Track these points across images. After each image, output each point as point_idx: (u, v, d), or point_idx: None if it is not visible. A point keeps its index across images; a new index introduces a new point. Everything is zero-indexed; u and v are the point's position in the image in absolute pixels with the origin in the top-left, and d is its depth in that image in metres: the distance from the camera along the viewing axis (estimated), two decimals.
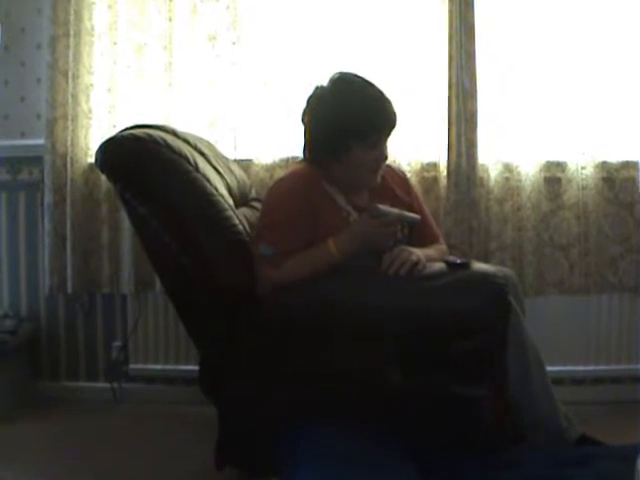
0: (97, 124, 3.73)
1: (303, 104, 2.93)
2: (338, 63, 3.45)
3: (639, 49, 3.66)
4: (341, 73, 2.89)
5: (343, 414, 2.49)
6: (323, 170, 2.87)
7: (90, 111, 3.72)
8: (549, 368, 2.80)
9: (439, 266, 2.77)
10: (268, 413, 2.60)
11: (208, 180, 2.81)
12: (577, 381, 3.71)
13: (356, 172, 2.84)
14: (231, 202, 2.92)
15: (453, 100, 3.62)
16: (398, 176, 3.12)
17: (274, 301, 2.65)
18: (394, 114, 2.84)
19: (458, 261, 2.78)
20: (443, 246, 3.13)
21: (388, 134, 2.86)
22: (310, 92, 2.91)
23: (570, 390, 3.50)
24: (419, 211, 3.00)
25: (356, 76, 2.88)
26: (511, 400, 2.58)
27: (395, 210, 2.79)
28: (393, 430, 2.48)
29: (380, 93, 2.83)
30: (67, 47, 3.67)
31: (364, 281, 2.68)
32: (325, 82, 2.86)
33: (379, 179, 2.90)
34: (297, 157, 3.14)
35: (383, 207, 2.75)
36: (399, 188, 3.04)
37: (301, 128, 2.93)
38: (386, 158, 2.89)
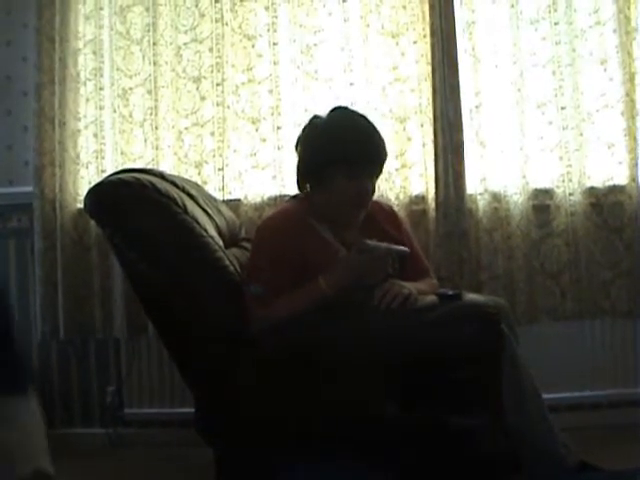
0: (85, 169, 3.74)
1: (295, 137, 2.97)
2: (324, 99, 3.48)
3: (621, 77, 3.69)
4: (339, 106, 2.95)
5: (342, 449, 2.48)
6: (311, 205, 2.89)
7: (78, 157, 3.74)
8: (545, 396, 2.79)
9: (431, 299, 2.77)
10: (267, 451, 2.59)
11: (197, 222, 2.81)
12: (574, 407, 3.70)
13: (339, 204, 2.83)
14: (221, 243, 2.92)
15: (439, 132, 3.64)
16: (386, 211, 3.11)
17: (270, 339, 2.64)
18: (382, 150, 2.85)
19: (450, 292, 2.79)
20: (434, 280, 3.13)
21: (374, 169, 2.86)
22: (306, 122, 2.95)
23: (567, 417, 3.49)
24: (408, 245, 2.99)
25: (353, 111, 2.94)
26: (508, 429, 2.58)
27: (383, 245, 2.79)
28: (390, 462, 2.47)
29: (373, 128, 2.84)
30: (53, 94, 3.68)
31: (357, 316, 2.68)
32: (322, 113, 2.90)
33: (362, 215, 2.90)
34: (286, 196, 3.15)
35: (371, 242, 2.75)
36: (388, 223, 3.04)
37: (291, 163, 2.95)
38: (370, 194, 2.88)
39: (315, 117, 2.92)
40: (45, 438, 1.72)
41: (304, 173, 2.90)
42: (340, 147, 2.78)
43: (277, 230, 2.83)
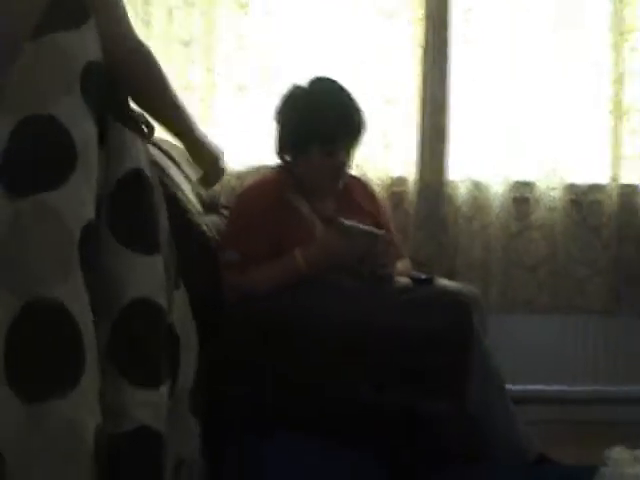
0: None
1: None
2: (311, 72, 3.45)
3: (610, 76, 3.71)
4: (320, 76, 2.90)
5: (313, 430, 2.48)
6: (290, 177, 2.88)
7: None
8: (513, 387, 2.81)
9: (404, 281, 2.77)
10: (238, 428, 2.58)
11: (178, 187, 2.79)
12: (540, 400, 3.72)
13: (315, 177, 2.84)
14: (199, 207, 2.91)
15: (425, 116, 3.64)
16: (363, 187, 3.11)
17: (243, 311, 2.63)
18: (359, 125, 2.83)
19: (422, 276, 2.78)
20: (407, 261, 3.13)
21: (351, 143, 2.84)
22: (286, 91, 2.91)
23: (533, 409, 3.50)
24: (384, 223, 3.00)
25: (334, 82, 2.88)
26: (472, 417, 2.58)
27: (360, 226, 2.77)
28: (360, 444, 2.48)
29: (351, 101, 2.82)
30: None
31: (330, 295, 2.67)
32: (303, 83, 2.87)
33: (339, 187, 2.90)
34: (268, 165, 3.13)
35: (348, 222, 2.74)
36: (365, 199, 3.03)
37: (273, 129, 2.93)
38: (345, 166, 2.87)
39: (295, 87, 2.88)
40: None
41: (282, 145, 2.90)
42: (318, 126, 2.77)
43: (255, 199, 2.83)
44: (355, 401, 2.51)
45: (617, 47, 3.70)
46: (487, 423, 2.64)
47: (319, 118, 2.78)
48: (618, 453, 2.49)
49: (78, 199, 1.83)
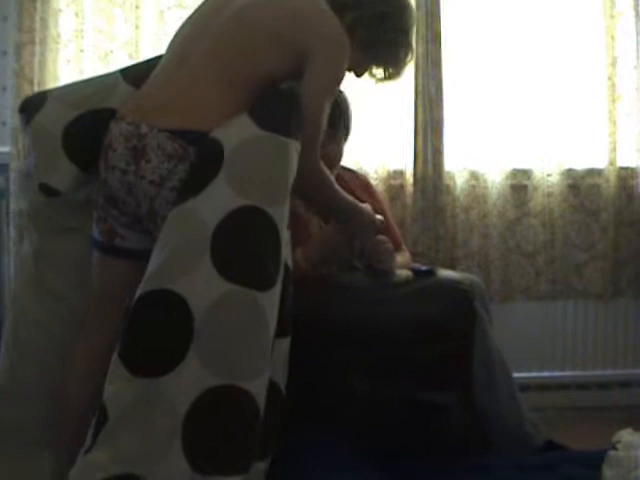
0: None
1: None
2: None
3: (604, 60, 3.71)
4: None
5: (312, 421, 2.49)
6: None
7: None
8: (516, 374, 2.82)
9: (405, 273, 2.78)
10: None
11: None
12: (543, 387, 3.73)
13: None
14: None
15: (419, 108, 3.63)
16: (360, 180, 3.15)
17: None
18: (345, 119, 2.93)
19: (423, 268, 2.79)
20: (407, 253, 3.15)
21: (341, 135, 2.92)
22: None
23: (537, 396, 3.52)
24: (382, 216, 3.01)
25: None
26: (477, 406, 2.59)
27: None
28: (359, 436, 2.48)
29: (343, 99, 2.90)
30: (33, 54, 3.63)
31: (331, 290, 2.68)
32: None
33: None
34: None
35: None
36: (361, 192, 3.05)
37: None
38: (338, 157, 2.94)
39: None
40: None
41: None
42: None
43: None
44: (356, 393, 2.52)
45: (609, 31, 3.69)
46: (493, 410, 2.65)
47: None
48: (627, 436, 2.49)
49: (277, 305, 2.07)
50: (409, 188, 3.66)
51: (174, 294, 1.98)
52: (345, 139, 2.97)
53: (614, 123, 3.71)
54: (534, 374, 3.71)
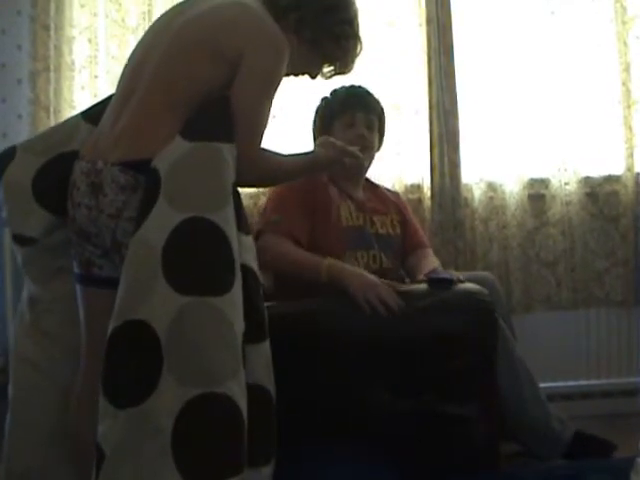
0: None
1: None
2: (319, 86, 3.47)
3: (617, 66, 3.70)
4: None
5: (335, 434, 2.48)
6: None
7: None
8: (540, 385, 2.82)
9: (421, 287, 2.76)
10: None
11: None
12: (568, 397, 3.70)
13: None
14: None
15: (434, 121, 3.64)
16: (390, 191, 3.39)
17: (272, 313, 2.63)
18: (377, 104, 3.24)
19: (441, 276, 2.77)
20: (431, 252, 3.28)
21: (370, 118, 3.17)
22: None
23: (561, 406, 3.49)
24: (410, 220, 3.29)
25: (361, 86, 3.28)
26: (503, 417, 2.59)
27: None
28: (384, 451, 2.47)
29: (369, 92, 3.24)
30: (48, 82, 3.66)
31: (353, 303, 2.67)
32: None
33: (364, 166, 3.15)
34: None
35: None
36: (391, 195, 3.33)
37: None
38: (367, 140, 3.13)
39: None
40: None
41: (315, 134, 3.25)
42: (336, 103, 3.20)
43: (289, 185, 2.95)
44: (378, 405, 2.52)
45: (621, 37, 3.69)
46: (520, 414, 2.68)
47: (337, 98, 3.22)
48: None
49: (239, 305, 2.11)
50: (427, 202, 3.66)
51: (139, 322, 2.03)
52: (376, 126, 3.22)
53: (630, 129, 3.70)
54: (559, 384, 3.68)
